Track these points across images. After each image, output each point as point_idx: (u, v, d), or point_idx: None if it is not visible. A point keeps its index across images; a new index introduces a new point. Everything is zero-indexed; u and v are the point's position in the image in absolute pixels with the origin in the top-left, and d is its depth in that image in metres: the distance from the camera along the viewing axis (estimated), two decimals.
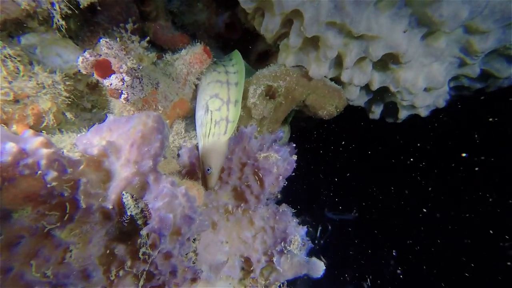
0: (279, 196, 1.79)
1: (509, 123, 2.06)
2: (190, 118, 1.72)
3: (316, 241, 3.03)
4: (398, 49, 1.29)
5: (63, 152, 0.80)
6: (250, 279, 1.54)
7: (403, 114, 1.74)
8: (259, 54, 2.14)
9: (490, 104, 1.94)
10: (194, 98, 1.67)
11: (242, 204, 1.54)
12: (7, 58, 0.92)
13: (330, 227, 3.08)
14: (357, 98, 1.72)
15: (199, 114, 1.60)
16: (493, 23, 1.21)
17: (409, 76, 1.43)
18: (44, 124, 1.06)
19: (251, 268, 1.54)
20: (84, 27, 1.19)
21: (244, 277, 1.58)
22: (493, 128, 2.14)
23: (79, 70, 1.21)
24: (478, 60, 1.40)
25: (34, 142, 0.69)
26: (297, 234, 1.50)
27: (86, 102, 1.35)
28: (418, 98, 1.54)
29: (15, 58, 0.94)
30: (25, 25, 1.02)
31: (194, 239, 1.47)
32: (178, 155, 1.59)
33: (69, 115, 1.17)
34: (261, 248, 1.56)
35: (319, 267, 1.48)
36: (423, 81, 1.44)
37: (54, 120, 1.14)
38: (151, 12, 1.79)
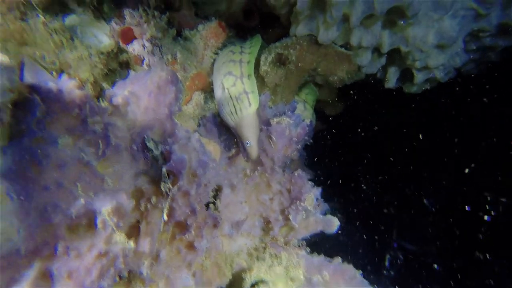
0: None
1: None
2: (209, 93, 1.88)
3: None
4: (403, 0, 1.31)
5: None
6: (270, 237, 1.64)
7: (418, 78, 1.72)
8: (276, 40, 2.24)
9: None
10: (212, 72, 1.82)
11: (258, 167, 1.65)
12: (53, 32, 1.13)
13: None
14: (369, 64, 1.73)
15: (218, 94, 1.70)
16: None
17: (418, 32, 1.43)
18: None
19: (270, 226, 1.64)
20: (114, 9, 1.39)
21: (264, 236, 1.68)
22: None
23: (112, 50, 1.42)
24: (492, 9, 1.36)
25: (69, 84, 0.85)
26: (311, 193, 1.57)
27: (119, 78, 1.56)
28: (431, 57, 1.53)
29: (60, 32, 1.14)
30: (66, 6, 1.23)
31: (215, 195, 1.60)
32: (199, 124, 1.74)
33: (106, 86, 1.37)
34: (278, 209, 1.65)
35: (333, 223, 1.54)
36: (434, 37, 1.43)
37: (93, 90, 1.34)
38: (174, 2, 1.97)
